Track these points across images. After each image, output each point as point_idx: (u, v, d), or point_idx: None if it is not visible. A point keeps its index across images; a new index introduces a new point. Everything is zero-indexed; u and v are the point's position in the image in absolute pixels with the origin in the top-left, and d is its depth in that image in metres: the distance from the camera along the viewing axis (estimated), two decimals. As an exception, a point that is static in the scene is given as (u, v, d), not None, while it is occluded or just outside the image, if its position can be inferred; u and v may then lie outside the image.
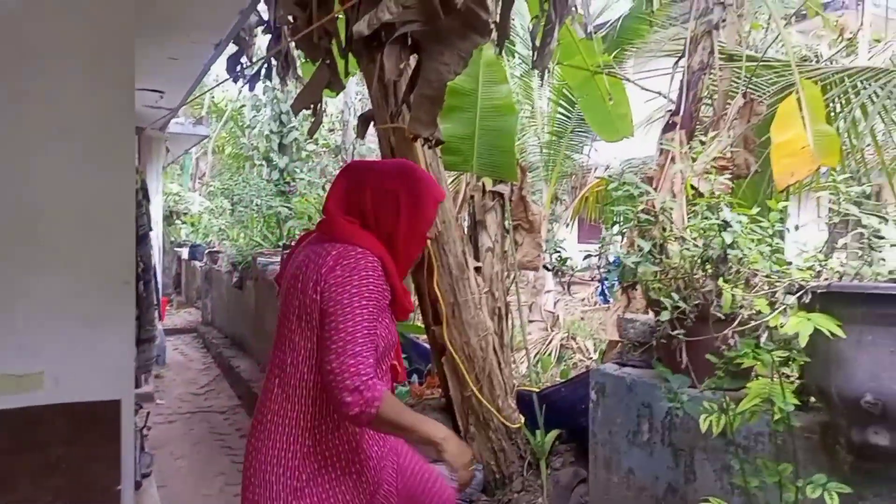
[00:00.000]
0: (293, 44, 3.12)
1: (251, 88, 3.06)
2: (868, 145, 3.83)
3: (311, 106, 2.53)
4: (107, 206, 2.87)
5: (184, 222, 13.07)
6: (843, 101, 3.07)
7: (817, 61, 6.40)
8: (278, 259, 6.03)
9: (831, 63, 6.15)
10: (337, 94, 2.64)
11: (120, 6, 2.93)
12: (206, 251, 9.81)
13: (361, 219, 1.61)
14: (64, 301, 2.67)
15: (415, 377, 3.82)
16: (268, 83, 8.31)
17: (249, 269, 6.76)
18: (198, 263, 10.73)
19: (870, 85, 2.98)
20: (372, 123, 2.61)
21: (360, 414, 1.39)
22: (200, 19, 3.90)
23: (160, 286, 5.72)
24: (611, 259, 1.76)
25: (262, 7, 3.89)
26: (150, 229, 3.73)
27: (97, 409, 2.55)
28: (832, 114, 3.30)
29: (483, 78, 3.63)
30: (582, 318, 7.70)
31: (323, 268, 1.50)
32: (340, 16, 2.50)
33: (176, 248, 12.69)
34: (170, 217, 12.55)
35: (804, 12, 7.30)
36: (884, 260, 1.39)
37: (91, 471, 2.47)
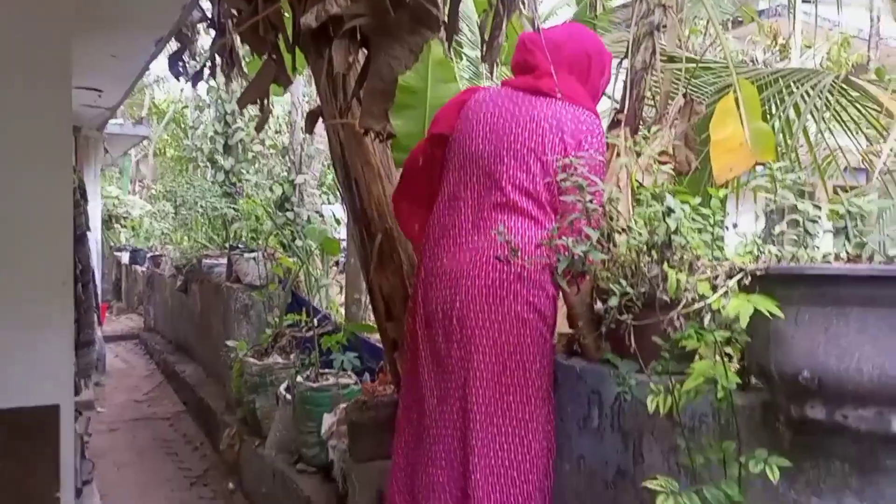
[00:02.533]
0: (238, 40, 3.07)
1: (194, 85, 2.99)
2: (802, 145, 4.00)
3: (258, 102, 2.49)
4: (43, 205, 2.77)
5: (124, 226, 12.66)
6: (778, 101, 3.21)
7: (753, 65, 6.68)
8: (224, 261, 5.91)
9: (766, 66, 6.43)
10: (285, 90, 2.61)
11: (58, 2, 2.83)
12: (149, 255, 9.52)
13: (578, 75, 1.98)
14: (3, 305, 2.57)
15: (367, 376, 3.81)
16: (211, 83, 8.14)
17: (194, 272, 6.60)
18: (139, 268, 10.41)
19: (801, 85, 3.12)
20: (320, 119, 2.59)
21: None
22: (141, 15, 3.80)
23: (99, 291, 5.53)
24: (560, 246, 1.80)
25: (205, 3, 3.81)
26: (89, 230, 3.60)
27: (35, 414, 2.45)
28: (767, 114, 3.44)
29: (432, 76, 3.64)
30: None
31: (579, 133, 1.88)
32: (287, 14, 2.47)
33: (116, 253, 12.28)
34: (109, 221, 12.14)
35: (740, 18, 7.60)
36: (818, 247, 1.47)
37: (29, 477, 2.37)
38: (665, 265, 1.33)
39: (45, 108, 2.83)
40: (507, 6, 1.64)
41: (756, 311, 1.24)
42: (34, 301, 2.66)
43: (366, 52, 2.14)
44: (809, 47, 7.55)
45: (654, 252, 1.37)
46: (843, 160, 4.25)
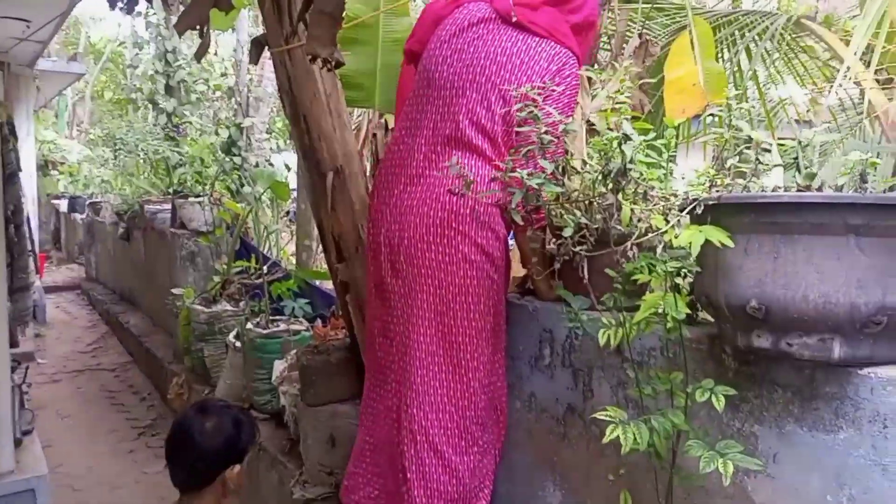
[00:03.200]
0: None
1: (129, 12, 2.79)
2: (752, 97, 4.04)
3: (198, 28, 2.34)
4: (-36, 139, 2.58)
5: (61, 173, 12.09)
6: (730, 44, 3.21)
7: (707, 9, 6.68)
8: (168, 207, 5.70)
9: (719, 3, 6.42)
10: (227, 16, 2.46)
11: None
12: (88, 202, 9.14)
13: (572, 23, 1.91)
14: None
15: (319, 322, 3.76)
16: (150, 18, 7.71)
17: (137, 219, 6.36)
18: (79, 216, 10.00)
19: (753, 28, 3.12)
20: (266, 48, 2.46)
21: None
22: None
23: (35, 237, 5.28)
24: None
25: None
26: (20, 170, 3.39)
27: (-36, 360, 2.34)
28: (720, 58, 3.44)
29: (384, 8, 3.51)
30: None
31: (549, 73, 1.78)
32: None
33: (53, 201, 11.75)
34: (45, 167, 11.56)
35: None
36: (768, 175, 1.47)
37: (-40, 424, 2.27)
38: (620, 195, 1.31)
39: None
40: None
41: (706, 243, 1.24)
42: (-41, 242, 2.50)
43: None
44: (761, -4, 7.56)
45: (608, 181, 1.35)
46: (789, 112, 4.31)
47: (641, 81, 3.28)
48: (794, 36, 3.13)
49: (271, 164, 7.21)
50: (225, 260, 4.67)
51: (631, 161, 1.30)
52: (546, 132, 1.54)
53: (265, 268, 4.20)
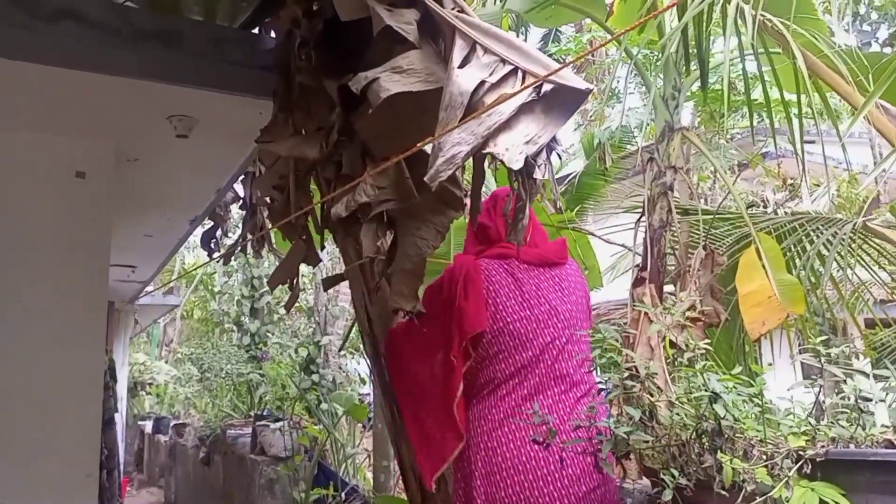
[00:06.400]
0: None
1: (225, 263, 3.10)
2: (827, 282, 3.97)
3: (288, 281, 2.55)
4: (73, 391, 2.76)
5: (148, 393, 12.59)
6: (800, 249, 3.23)
7: (765, 206, 6.79)
8: (249, 430, 5.78)
9: (779, 207, 6.53)
10: (314, 267, 2.68)
11: (98, 191, 3.01)
12: (172, 424, 9.38)
13: None
14: (19, 498, 2.49)
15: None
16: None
17: (218, 443, 6.44)
18: (162, 437, 10.21)
19: (822, 233, 3.15)
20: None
21: None
22: (177, 199, 4.02)
23: (122, 467, 5.38)
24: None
25: (238, 185, 4.05)
26: (117, 411, 3.57)
27: None
28: (792, 262, 3.44)
29: (455, 241, 3.75)
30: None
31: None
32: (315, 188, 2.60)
33: (139, 422, 12.11)
34: (134, 388, 12.09)
35: (746, 162, 7.85)
36: (873, 414, 1.39)
37: None
38: (718, 454, 1.26)
39: (82, 291, 2.90)
40: (529, 192, 1.71)
41: (821, 500, 1.16)
42: (54, 496, 2.58)
43: (392, 232, 2.20)
44: (818, 185, 7.71)
45: (704, 438, 1.31)
46: (869, 294, 4.17)
47: (713, 290, 3.29)
48: (863, 239, 3.13)
49: (346, 373, 7.32)
50: (303, 486, 4.60)
51: (724, 417, 1.27)
52: (629, 376, 1.54)
53: (343, 495, 4.10)
